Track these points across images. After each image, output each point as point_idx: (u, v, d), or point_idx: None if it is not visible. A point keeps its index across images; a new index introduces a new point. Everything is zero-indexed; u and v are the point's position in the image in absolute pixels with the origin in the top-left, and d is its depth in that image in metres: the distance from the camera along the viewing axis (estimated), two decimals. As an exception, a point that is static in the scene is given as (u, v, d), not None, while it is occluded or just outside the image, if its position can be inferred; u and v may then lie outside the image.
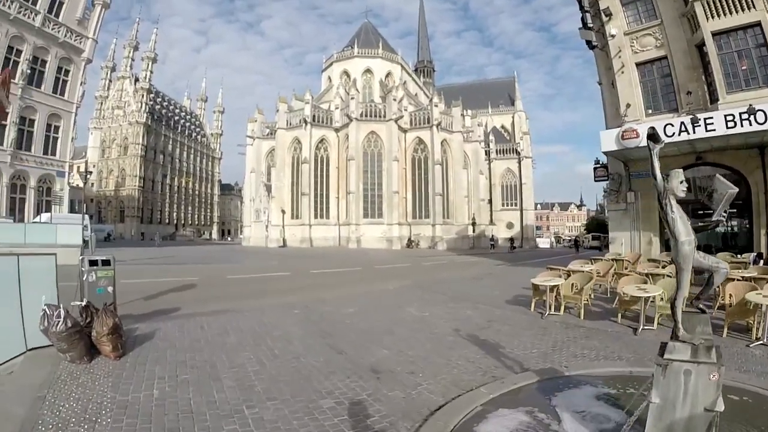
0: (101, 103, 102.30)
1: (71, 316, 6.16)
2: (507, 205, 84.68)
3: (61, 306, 6.18)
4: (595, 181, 25.43)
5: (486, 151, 76.41)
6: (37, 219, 37.04)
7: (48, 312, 5.99)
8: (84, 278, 7.76)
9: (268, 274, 20.30)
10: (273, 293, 13.91)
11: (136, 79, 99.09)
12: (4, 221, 31.24)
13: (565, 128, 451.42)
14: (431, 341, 7.52)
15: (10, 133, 38.69)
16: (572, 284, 10.64)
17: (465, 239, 58.03)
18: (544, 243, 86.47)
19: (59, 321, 5.95)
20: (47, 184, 41.97)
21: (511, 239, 51.61)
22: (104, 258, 8.08)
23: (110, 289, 7.95)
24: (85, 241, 25.32)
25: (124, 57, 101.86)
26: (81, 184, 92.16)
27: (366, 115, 59.85)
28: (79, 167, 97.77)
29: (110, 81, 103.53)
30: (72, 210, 45.87)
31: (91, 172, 33.36)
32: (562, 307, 10.21)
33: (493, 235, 60.88)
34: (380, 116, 59.66)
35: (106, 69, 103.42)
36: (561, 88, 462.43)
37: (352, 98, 60.22)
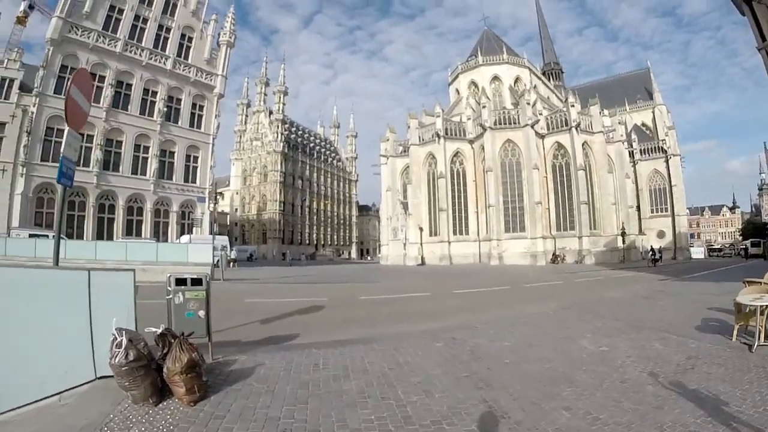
0: (240, 137, 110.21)
1: (135, 347, 4.89)
2: (656, 212, 76.46)
3: (124, 333, 4.91)
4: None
5: (630, 152, 70.78)
6: (177, 241, 39.85)
7: (117, 338, 4.83)
8: (170, 298, 6.37)
9: (405, 295, 18.51)
10: (411, 318, 12.07)
11: (270, 112, 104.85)
12: (148, 242, 32.81)
13: (706, 121, 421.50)
14: (626, 395, 5.29)
15: (152, 165, 43.16)
16: (788, 302, 7.88)
17: (614, 252, 52.94)
18: (697, 253, 77.95)
19: (119, 352, 4.76)
20: (189, 209, 45.70)
21: (652, 250, 45.88)
22: (195, 276, 6.56)
23: (201, 313, 6.40)
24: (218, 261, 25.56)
25: (257, 93, 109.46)
26: (227, 210, 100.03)
27: (499, 123, 57.06)
28: (223, 194, 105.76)
29: (246, 116, 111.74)
30: (211, 231, 48.56)
31: (221, 194, 35.08)
32: (775, 334, 7.51)
33: (656, 247, 54.67)
34: (514, 123, 56.61)
35: (241, 105, 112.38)
36: (696, 77, 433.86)
37: (484, 107, 57.80)
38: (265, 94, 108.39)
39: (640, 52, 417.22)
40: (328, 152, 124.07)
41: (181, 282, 6.45)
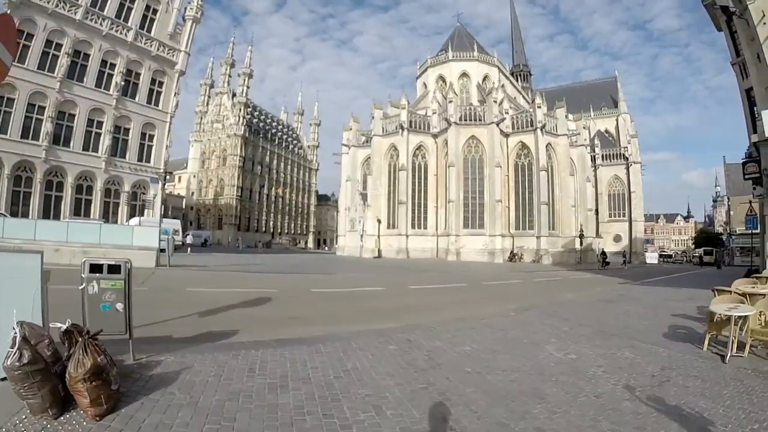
0: (201, 118, 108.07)
1: (31, 346, 4.00)
2: (614, 216, 77.97)
3: (19, 329, 4.02)
4: (745, 179, 21.94)
5: (592, 157, 71.22)
6: (126, 223, 38.36)
7: (14, 334, 3.97)
8: (83, 288, 5.37)
9: (359, 289, 17.78)
10: (363, 315, 11.38)
11: (234, 94, 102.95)
12: (91, 223, 31.61)
13: (668, 134, 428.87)
14: (604, 412, 4.68)
15: (105, 141, 41.40)
16: (761, 314, 7.49)
17: (571, 253, 53.31)
18: (652, 258, 79.29)
19: (11, 352, 3.88)
20: (141, 189, 43.57)
21: (603, 253, 45.97)
22: (112, 262, 5.54)
23: (119, 306, 5.43)
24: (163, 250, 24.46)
25: (222, 74, 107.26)
26: (183, 193, 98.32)
27: (465, 119, 56.66)
28: (180, 177, 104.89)
29: (209, 97, 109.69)
30: (166, 215, 47.56)
31: (171, 173, 34.29)
32: (747, 347, 7.26)
33: (609, 251, 54.64)
34: (480, 120, 56.27)
35: (204, 86, 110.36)
36: (661, 90, 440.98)
37: (450, 101, 57.34)
38: (230, 76, 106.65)
39: (608, 62, 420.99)
40: (290, 139, 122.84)
41: (96, 269, 5.48)
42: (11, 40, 6.34)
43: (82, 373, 4.00)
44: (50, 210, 38.64)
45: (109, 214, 41.75)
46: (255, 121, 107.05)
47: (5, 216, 29.72)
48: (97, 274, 5.40)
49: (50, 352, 4.19)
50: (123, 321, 5.49)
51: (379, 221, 57.58)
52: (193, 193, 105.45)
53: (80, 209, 40.35)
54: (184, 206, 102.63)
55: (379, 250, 56.27)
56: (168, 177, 48.05)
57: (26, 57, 37.00)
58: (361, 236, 58.39)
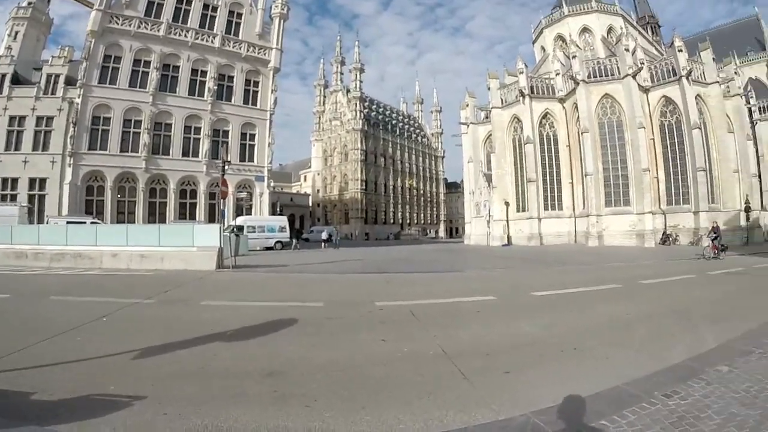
0: (319, 118, 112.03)
1: None
2: None
3: None
4: None
5: (748, 110, 59.79)
6: (233, 222, 38.53)
7: None
8: None
9: (450, 300, 11.45)
10: (417, 374, 5.47)
11: (348, 91, 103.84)
12: (200, 225, 33.18)
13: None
14: None
15: (204, 145, 42.31)
16: None
17: (736, 232, 42.46)
18: None
19: None
20: (247, 189, 44.34)
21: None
22: None
23: None
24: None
25: (333, 73, 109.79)
26: (308, 191, 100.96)
27: (594, 76, 49.38)
28: (305, 176, 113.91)
29: (324, 96, 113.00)
30: (273, 212, 49.55)
31: (261, 168, 34.38)
32: None
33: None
34: (612, 74, 48.60)
35: (318, 86, 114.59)
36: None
37: (574, 57, 50.07)
38: (342, 73, 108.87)
39: (739, 7, 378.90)
40: (411, 129, 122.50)
41: None
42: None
43: None
44: (155, 216, 41.44)
45: (215, 215, 42.06)
46: (373, 114, 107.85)
47: (97, 222, 32.57)
48: None
49: None
50: None
51: (506, 204, 52.41)
52: (318, 190, 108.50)
53: (185, 212, 43.04)
54: (310, 204, 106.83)
55: (509, 237, 51.24)
56: (270, 175, 46.84)
57: (117, 78, 40.70)
58: (488, 222, 53.49)
